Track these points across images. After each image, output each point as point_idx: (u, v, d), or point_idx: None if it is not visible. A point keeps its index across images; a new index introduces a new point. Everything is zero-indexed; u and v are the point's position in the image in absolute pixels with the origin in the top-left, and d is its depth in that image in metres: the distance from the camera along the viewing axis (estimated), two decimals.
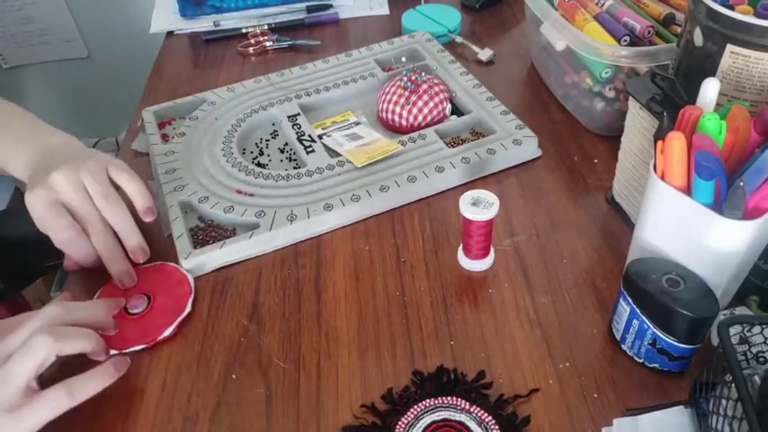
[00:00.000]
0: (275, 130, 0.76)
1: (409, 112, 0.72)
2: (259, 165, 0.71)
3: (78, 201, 0.55)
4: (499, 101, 0.74)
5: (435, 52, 0.83)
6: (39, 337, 0.45)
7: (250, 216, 0.63)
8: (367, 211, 0.64)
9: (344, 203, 0.63)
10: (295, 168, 0.69)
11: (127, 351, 0.53)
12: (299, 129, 0.73)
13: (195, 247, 0.60)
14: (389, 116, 0.73)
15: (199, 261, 0.59)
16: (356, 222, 0.64)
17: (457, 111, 0.76)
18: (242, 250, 0.61)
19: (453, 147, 0.69)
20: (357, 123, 0.75)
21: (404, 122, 0.73)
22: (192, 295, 0.57)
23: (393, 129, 0.74)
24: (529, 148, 0.69)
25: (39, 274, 1.12)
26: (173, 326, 0.55)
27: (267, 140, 0.75)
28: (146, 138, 0.74)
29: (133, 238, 0.58)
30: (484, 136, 0.72)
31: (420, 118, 0.72)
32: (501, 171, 0.69)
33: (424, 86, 0.73)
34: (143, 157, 0.74)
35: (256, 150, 0.73)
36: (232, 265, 0.61)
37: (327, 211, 0.63)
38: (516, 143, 0.69)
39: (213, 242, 0.61)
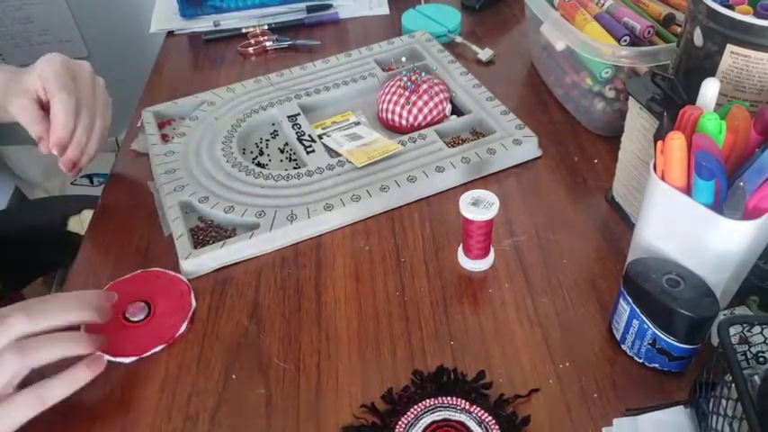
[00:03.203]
0: (275, 130, 0.76)
1: (409, 111, 0.72)
2: (259, 165, 0.71)
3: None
4: (499, 101, 0.74)
5: (435, 52, 0.83)
6: (4, 356, 0.43)
7: (250, 216, 0.63)
8: (367, 211, 0.64)
9: (344, 203, 0.63)
10: (295, 168, 0.69)
11: (147, 354, 0.53)
12: (298, 129, 0.73)
13: (195, 248, 0.60)
14: (389, 116, 0.73)
15: (199, 261, 0.59)
16: (356, 222, 0.64)
17: (457, 111, 0.76)
18: (242, 250, 0.61)
19: (453, 147, 0.69)
20: (357, 123, 0.75)
21: (404, 122, 0.73)
22: (192, 292, 0.57)
23: (393, 129, 0.74)
24: (529, 147, 0.69)
25: (38, 274, 1.12)
26: (185, 322, 0.55)
27: (267, 140, 0.75)
28: (145, 138, 0.74)
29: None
30: (484, 136, 0.72)
31: (420, 118, 0.72)
32: (501, 171, 0.69)
33: (424, 86, 0.73)
34: (143, 157, 0.74)
35: (256, 150, 0.73)
36: (232, 265, 0.61)
37: (327, 211, 0.63)
38: (516, 143, 0.69)
39: (213, 242, 0.61)
